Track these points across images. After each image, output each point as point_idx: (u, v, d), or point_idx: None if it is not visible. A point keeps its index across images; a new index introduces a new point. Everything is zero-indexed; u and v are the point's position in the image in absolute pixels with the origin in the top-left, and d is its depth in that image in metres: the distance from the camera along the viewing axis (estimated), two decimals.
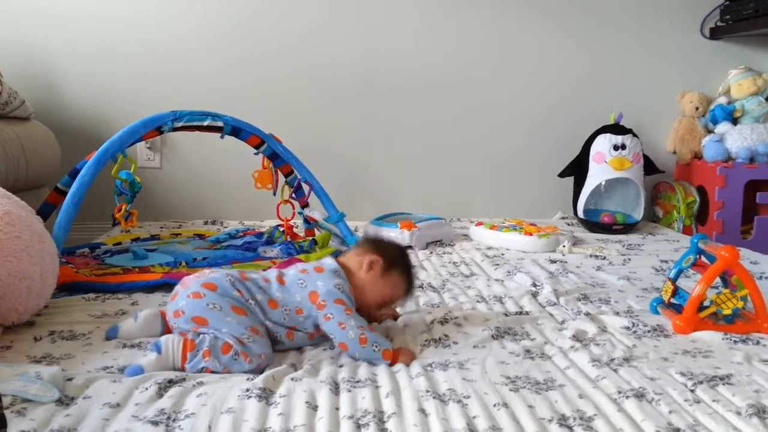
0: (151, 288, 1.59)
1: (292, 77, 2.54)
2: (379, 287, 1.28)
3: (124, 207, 1.79)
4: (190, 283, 1.21)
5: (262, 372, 1.10)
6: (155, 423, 0.92)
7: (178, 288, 1.23)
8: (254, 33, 2.51)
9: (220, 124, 1.89)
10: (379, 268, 1.27)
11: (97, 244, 2.02)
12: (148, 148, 2.51)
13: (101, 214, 2.24)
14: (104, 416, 0.94)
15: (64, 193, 1.69)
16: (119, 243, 2.05)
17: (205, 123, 1.86)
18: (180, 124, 1.82)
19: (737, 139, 2.46)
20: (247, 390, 1.01)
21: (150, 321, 1.27)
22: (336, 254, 1.54)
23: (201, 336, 1.14)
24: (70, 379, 1.05)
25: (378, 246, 1.32)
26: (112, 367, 1.13)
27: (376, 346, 1.15)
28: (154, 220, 2.45)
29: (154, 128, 1.79)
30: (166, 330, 1.26)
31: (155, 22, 2.47)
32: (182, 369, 1.11)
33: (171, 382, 1.05)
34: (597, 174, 2.42)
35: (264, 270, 1.33)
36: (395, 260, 1.30)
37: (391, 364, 1.15)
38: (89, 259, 1.83)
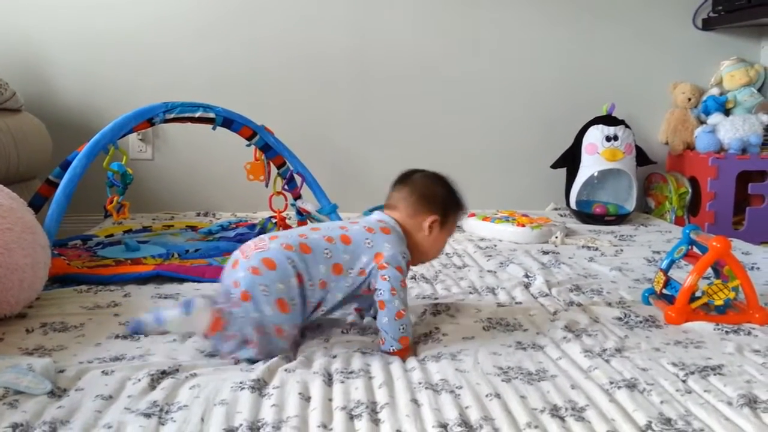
0: (143, 280, 1.59)
1: (285, 67, 2.52)
2: (440, 242, 1.29)
3: (115, 199, 1.78)
4: (251, 252, 1.16)
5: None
6: (148, 415, 0.92)
7: (238, 255, 1.18)
8: (246, 22, 2.50)
9: (211, 115, 1.88)
10: (437, 225, 1.25)
11: (89, 236, 2.01)
12: (140, 139, 2.50)
13: (93, 206, 2.23)
14: (97, 408, 0.94)
15: (56, 185, 1.68)
16: (111, 235, 2.04)
17: (197, 114, 1.86)
18: (171, 116, 1.81)
19: (729, 130, 2.47)
20: (240, 382, 1.01)
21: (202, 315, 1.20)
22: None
23: (229, 318, 1.11)
24: (62, 371, 1.05)
25: (424, 197, 1.25)
26: (104, 358, 1.13)
27: (403, 328, 1.16)
28: (147, 212, 2.44)
29: (146, 120, 1.78)
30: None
31: (147, 13, 2.45)
32: (204, 336, 1.13)
33: (164, 374, 1.05)
34: (589, 165, 2.43)
35: (329, 223, 1.28)
36: (448, 205, 1.27)
37: (394, 353, 1.15)
38: (81, 251, 1.82)
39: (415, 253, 1.25)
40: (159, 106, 1.80)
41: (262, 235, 1.23)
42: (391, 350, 1.16)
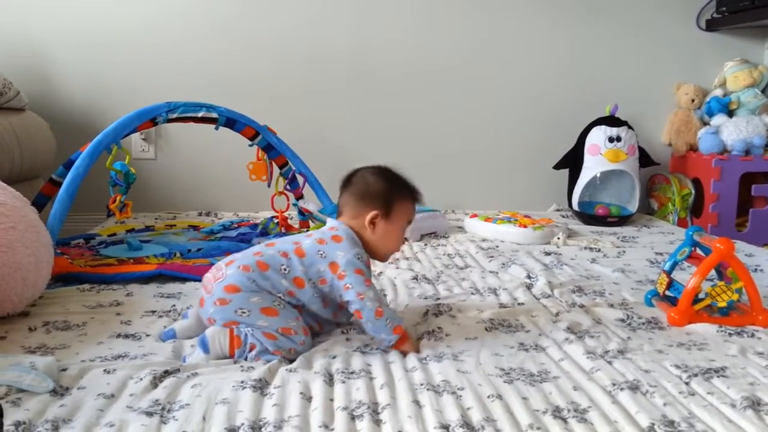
0: (145, 279, 1.59)
1: (287, 68, 2.53)
2: (391, 234, 1.26)
3: (118, 198, 1.79)
4: (212, 286, 1.17)
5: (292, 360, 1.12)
6: (149, 414, 0.92)
7: (203, 292, 1.19)
8: (249, 22, 2.50)
9: (214, 115, 1.88)
10: (381, 220, 1.24)
11: (92, 234, 2.02)
12: (143, 139, 2.50)
13: (96, 205, 2.23)
14: (99, 407, 0.94)
15: (59, 184, 1.68)
16: (114, 234, 2.04)
17: (200, 114, 1.86)
18: (175, 116, 1.81)
19: (733, 132, 2.46)
20: (242, 381, 1.01)
21: (199, 318, 1.23)
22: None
23: (243, 333, 1.14)
24: (64, 370, 1.05)
25: (363, 195, 1.25)
26: (106, 356, 1.13)
27: (389, 322, 1.16)
28: (149, 212, 2.44)
29: (149, 119, 1.79)
30: None
31: (151, 13, 2.45)
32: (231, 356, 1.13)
33: (166, 373, 1.05)
34: (592, 166, 2.42)
35: (283, 239, 1.29)
36: (389, 196, 1.25)
37: (397, 346, 1.16)
38: (84, 250, 1.83)
39: (372, 252, 1.26)
40: (162, 106, 1.80)
41: (218, 263, 1.23)
42: (391, 345, 1.16)
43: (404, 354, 1.15)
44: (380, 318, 1.15)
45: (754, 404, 0.96)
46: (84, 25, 2.43)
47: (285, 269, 1.18)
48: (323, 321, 1.24)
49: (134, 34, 2.45)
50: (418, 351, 1.17)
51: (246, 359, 1.12)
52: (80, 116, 2.44)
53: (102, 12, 2.43)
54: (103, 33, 2.44)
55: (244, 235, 2.03)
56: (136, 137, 2.47)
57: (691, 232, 1.44)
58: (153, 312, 1.37)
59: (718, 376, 1.06)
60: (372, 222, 1.24)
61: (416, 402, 0.96)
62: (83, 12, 2.42)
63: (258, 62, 2.51)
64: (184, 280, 1.59)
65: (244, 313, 1.14)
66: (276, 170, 2.10)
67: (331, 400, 0.98)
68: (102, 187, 1.86)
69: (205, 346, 1.12)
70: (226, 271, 1.18)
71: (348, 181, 1.29)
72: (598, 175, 2.43)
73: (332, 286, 1.18)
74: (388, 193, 1.25)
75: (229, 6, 2.49)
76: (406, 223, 1.30)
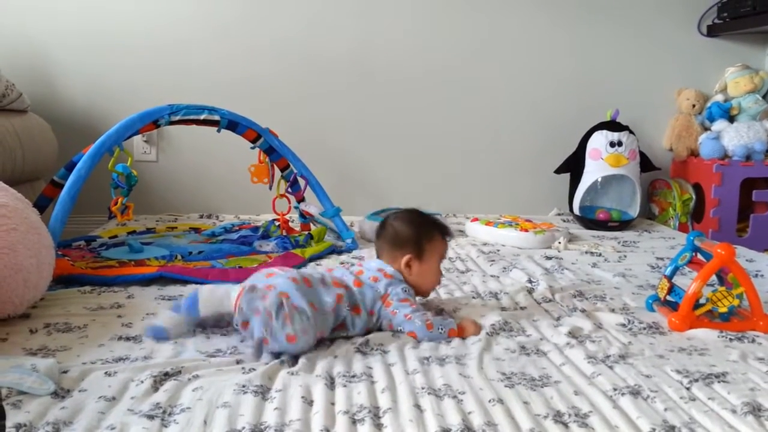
0: (147, 281, 1.59)
1: (289, 70, 2.53)
2: (428, 272, 1.37)
3: (120, 200, 1.79)
4: (290, 270, 1.28)
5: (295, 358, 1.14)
6: (151, 417, 0.92)
7: (275, 269, 1.27)
8: (251, 25, 2.50)
9: (216, 118, 1.89)
10: (415, 261, 1.35)
11: (93, 236, 2.02)
12: (145, 141, 2.51)
13: (98, 207, 2.24)
14: (100, 409, 0.94)
15: (61, 186, 1.69)
16: (115, 236, 2.04)
17: (202, 117, 1.86)
18: (177, 118, 1.82)
19: (734, 137, 2.47)
20: (243, 385, 1.01)
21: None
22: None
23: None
24: (65, 372, 1.05)
25: (394, 242, 1.36)
26: (107, 359, 1.13)
27: (441, 329, 1.26)
28: (150, 214, 2.44)
29: (151, 122, 1.79)
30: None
31: (153, 16, 2.46)
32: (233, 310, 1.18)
33: (167, 376, 1.05)
34: (593, 170, 2.43)
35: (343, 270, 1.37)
36: (419, 239, 1.35)
37: (462, 337, 1.26)
38: (85, 252, 1.83)
39: (414, 290, 1.35)
40: (164, 108, 1.80)
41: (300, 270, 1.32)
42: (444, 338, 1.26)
43: (475, 334, 1.27)
44: (432, 330, 1.25)
45: (755, 410, 0.96)
46: (87, 28, 2.43)
47: (349, 292, 1.27)
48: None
49: (137, 36, 2.46)
50: (478, 332, 1.28)
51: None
52: (82, 118, 2.45)
53: (105, 14, 2.44)
54: (106, 35, 2.44)
55: (246, 238, 2.03)
56: (138, 139, 2.47)
57: (692, 237, 1.44)
58: (154, 314, 1.37)
59: (718, 382, 1.06)
60: (408, 265, 1.34)
61: (417, 406, 0.96)
62: (86, 14, 2.43)
63: (259, 65, 2.52)
64: (185, 282, 1.59)
65: (300, 288, 1.19)
66: (277, 173, 2.11)
67: (333, 403, 0.97)
68: (104, 188, 1.86)
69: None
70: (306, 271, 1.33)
71: (381, 230, 1.40)
72: (599, 179, 2.44)
73: (380, 314, 1.29)
74: (416, 236, 1.36)
75: (231, 9, 2.49)
76: (440, 259, 1.40)
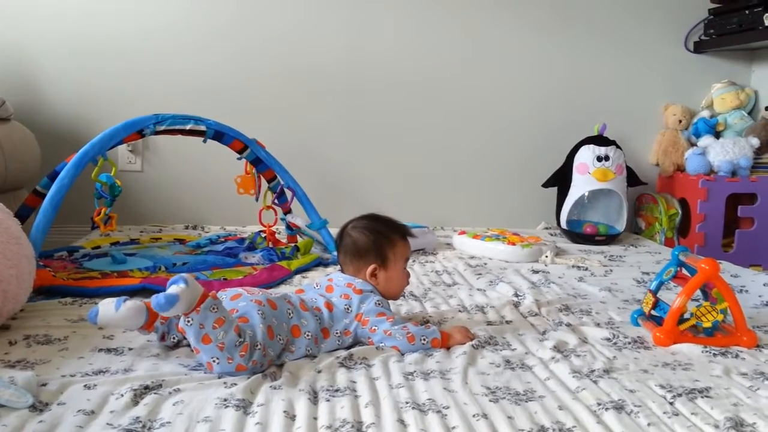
0: (129, 293, 1.56)
1: (276, 79, 2.52)
2: (395, 278, 1.35)
3: (103, 210, 1.77)
4: (256, 292, 1.24)
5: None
6: (130, 431, 0.90)
7: (240, 290, 1.23)
8: (237, 32, 2.50)
9: (202, 128, 1.88)
10: (380, 270, 1.33)
11: (76, 247, 1.99)
12: (130, 151, 2.49)
13: (81, 218, 2.22)
14: (78, 423, 0.92)
15: (43, 196, 1.67)
16: (98, 247, 2.02)
17: (188, 127, 1.85)
18: (162, 128, 1.81)
19: (719, 153, 2.48)
20: (225, 399, 1.00)
21: (132, 314, 1.19)
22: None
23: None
24: (44, 385, 1.04)
25: (355, 254, 1.33)
26: (87, 372, 1.11)
27: (424, 339, 1.25)
28: (135, 224, 2.42)
29: (136, 131, 1.78)
30: (148, 324, 1.20)
31: (139, 23, 2.45)
32: (195, 309, 1.09)
33: (147, 389, 1.03)
34: (580, 185, 2.44)
35: (313, 289, 1.35)
36: (381, 247, 1.33)
37: (446, 348, 1.26)
38: (67, 263, 1.80)
39: (383, 296, 1.33)
40: (149, 118, 1.79)
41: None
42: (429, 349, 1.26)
43: (462, 343, 1.27)
44: (414, 343, 1.24)
45: (737, 425, 0.96)
46: (71, 35, 2.42)
47: (318, 318, 1.25)
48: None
49: (122, 43, 2.44)
50: (470, 338, 1.28)
51: (204, 335, 1.09)
52: (66, 127, 2.43)
53: (89, 22, 2.42)
54: (91, 43, 2.43)
55: (231, 249, 2.02)
56: (122, 149, 2.46)
57: (677, 252, 1.44)
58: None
59: (702, 397, 1.06)
60: (373, 275, 1.33)
61: (401, 421, 0.95)
62: (70, 21, 2.41)
63: (247, 73, 2.51)
64: None
65: (261, 314, 1.17)
66: (264, 184, 2.10)
67: (315, 418, 0.97)
68: (87, 199, 1.84)
69: (185, 281, 1.08)
70: (273, 291, 1.30)
71: (339, 241, 1.37)
72: (587, 193, 2.45)
73: (356, 333, 1.27)
74: (377, 244, 1.33)
75: (218, 16, 2.48)
76: (405, 261, 1.37)
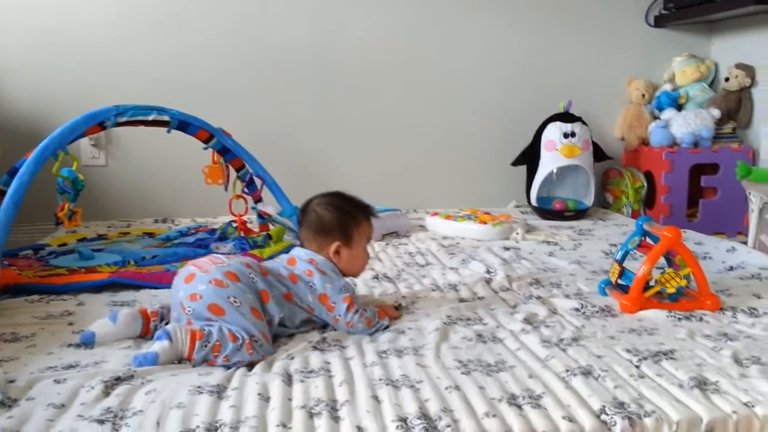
0: (98, 288, 1.55)
1: (241, 66, 2.49)
2: (357, 257, 1.34)
3: (67, 206, 1.74)
4: (210, 267, 1.19)
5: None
6: (101, 422, 0.90)
7: (192, 269, 1.20)
8: (198, 17, 2.45)
9: (166, 118, 1.85)
10: (344, 248, 1.32)
11: (41, 245, 1.96)
12: (93, 145, 2.45)
13: (45, 215, 2.16)
14: (48, 417, 0.92)
15: (3, 193, 1.63)
16: (64, 244, 1.99)
17: (150, 117, 1.82)
18: (123, 119, 1.77)
19: (682, 125, 2.53)
20: (199, 386, 1.00)
21: (129, 321, 1.21)
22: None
23: (207, 329, 1.12)
24: (12, 381, 1.02)
25: (319, 230, 1.31)
26: (56, 367, 1.10)
27: (375, 318, 1.28)
28: (102, 220, 2.38)
29: (96, 123, 1.74)
30: (145, 329, 1.22)
31: (97, 13, 2.38)
32: (189, 359, 1.10)
33: (118, 380, 1.03)
34: (548, 162, 2.46)
35: (275, 261, 1.35)
36: (346, 225, 1.32)
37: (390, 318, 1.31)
38: (33, 261, 1.78)
39: (344, 274, 1.34)
40: (110, 110, 1.76)
41: (215, 254, 1.29)
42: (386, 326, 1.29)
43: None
44: (371, 326, 1.26)
45: (701, 384, 0.99)
46: (26, 27, 2.34)
47: (282, 280, 1.26)
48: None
49: (81, 35, 2.38)
50: (397, 317, 1.33)
51: (207, 361, 1.10)
52: (25, 122, 2.37)
53: (47, 14, 2.36)
54: (49, 35, 2.36)
55: (202, 241, 2.00)
56: (85, 144, 2.41)
57: (641, 222, 1.47)
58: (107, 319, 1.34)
59: (667, 359, 1.09)
60: (336, 252, 1.31)
61: (375, 397, 0.96)
62: (27, 14, 2.35)
63: (210, 60, 2.46)
64: (138, 287, 1.56)
65: (235, 302, 1.15)
66: (233, 173, 2.08)
67: (290, 399, 0.97)
68: (50, 195, 1.81)
69: (168, 335, 1.09)
70: (226, 260, 1.23)
71: (302, 216, 1.35)
72: (555, 170, 2.47)
73: (320, 315, 1.27)
74: (343, 222, 1.32)
75: (178, 2, 2.43)
76: (368, 241, 1.37)
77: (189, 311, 1.16)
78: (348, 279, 1.35)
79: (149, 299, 1.47)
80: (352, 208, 1.34)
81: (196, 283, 1.17)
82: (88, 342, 1.19)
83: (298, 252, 1.33)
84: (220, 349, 1.10)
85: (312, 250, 1.32)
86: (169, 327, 1.12)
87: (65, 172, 1.73)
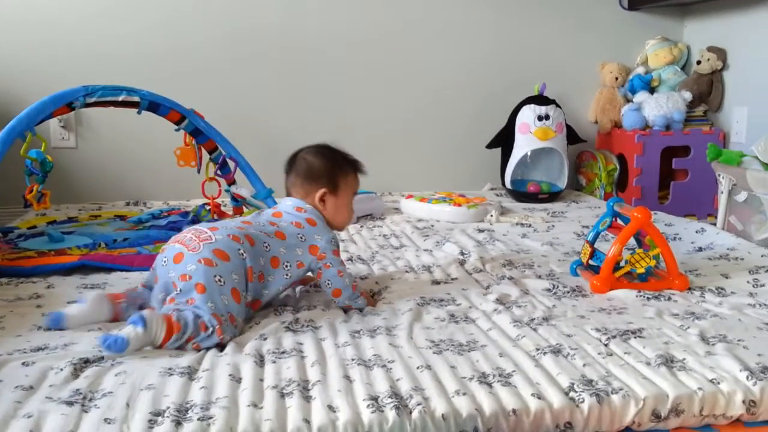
0: (68, 270, 1.54)
1: (212, 45, 2.45)
2: (342, 207, 1.35)
3: (35, 187, 1.71)
4: (197, 244, 1.17)
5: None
6: (70, 403, 0.89)
7: (179, 248, 1.18)
8: None
9: (136, 99, 1.82)
10: (330, 196, 1.33)
11: (10, 228, 1.93)
12: (62, 127, 2.40)
13: (13, 198, 2.13)
14: (16, 399, 0.91)
15: None
16: (34, 227, 1.96)
17: (120, 98, 1.79)
18: (92, 100, 1.74)
19: (654, 108, 2.55)
20: (169, 368, 0.99)
21: (98, 305, 1.19)
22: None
23: (183, 319, 1.10)
24: None
25: (307, 176, 1.32)
26: (25, 349, 1.08)
27: (358, 291, 1.30)
28: (73, 203, 2.34)
29: (65, 104, 1.71)
30: (114, 314, 1.20)
31: None
32: (161, 347, 1.08)
33: (87, 363, 1.02)
34: (523, 144, 2.47)
35: (260, 216, 1.34)
36: (334, 173, 1.33)
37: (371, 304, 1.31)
38: (1, 244, 1.74)
39: (332, 226, 1.34)
40: (78, 90, 1.72)
41: (198, 226, 1.25)
42: (361, 306, 1.29)
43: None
44: (356, 291, 1.29)
45: (668, 361, 1.01)
46: None
47: (267, 246, 1.24)
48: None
49: (47, 13, 2.32)
50: (372, 305, 1.31)
51: (181, 347, 1.09)
52: None
53: None
54: (14, 13, 2.30)
55: (175, 223, 1.98)
56: (54, 125, 2.37)
57: (611, 203, 1.49)
58: (75, 303, 1.32)
59: (635, 337, 1.11)
60: (322, 199, 1.32)
61: (347, 377, 0.97)
62: None
63: (180, 39, 2.42)
64: (109, 270, 1.54)
65: (220, 281, 1.15)
66: (205, 155, 2.06)
67: (261, 380, 0.97)
68: (18, 177, 1.78)
69: (143, 321, 1.07)
70: (212, 234, 1.19)
71: (291, 164, 1.36)
72: (529, 153, 2.48)
73: (310, 267, 1.28)
74: (331, 170, 1.33)
75: None
76: (353, 194, 1.38)
77: (179, 290, 1.14)
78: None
79: (120, 282, 1.45)
80: (341, 159, 1.36)
81: (185, 263, 1.15)
82: (57, 324, 1.17)
83: (284, 204, 1.33)
84: (192, 339, 1.09)
85: (298, 197, 1.32)
86: (146, 314, 1.09)
87: (33, 154, 1.70)
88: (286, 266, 1.25)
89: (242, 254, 1.19)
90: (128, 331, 1.06)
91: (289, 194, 1.35)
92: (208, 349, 1.09)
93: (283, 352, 1.06)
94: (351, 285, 1.29)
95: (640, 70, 2.72)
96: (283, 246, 1.25)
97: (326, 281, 1.28)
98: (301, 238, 1.27)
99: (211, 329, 1.10)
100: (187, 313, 1.11)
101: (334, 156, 1.35)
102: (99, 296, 1.21)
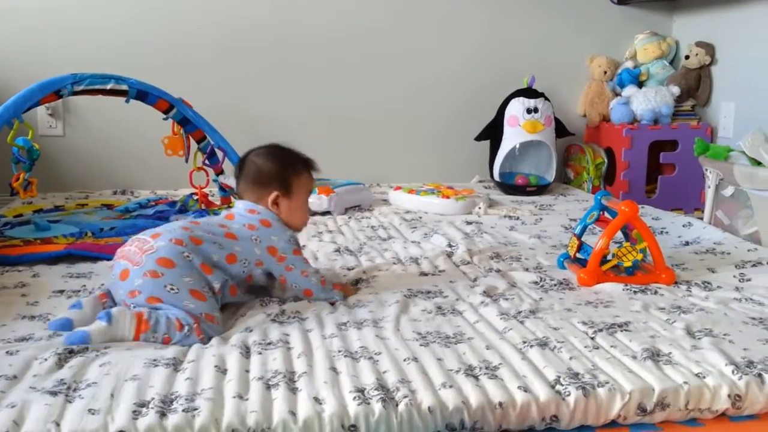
0: (54, 259, 1.52)
1: (201, 35, 2.44)
2: (297, 209, 1.31)
3: (22, 175, 1.69)
4: (139, 258, 1.14)
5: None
6: (54, 393, 0.89)
7: (124, 264, 1.15)
8: None
9: (124, 87, 1.80)
10: (283, 199, 1.28)
11: None
12: (50, 114, 2.37)
13: (1, 186, 2.11)
14: (0, 388, 0.90)
15: None
16: (20, 215, 1.94)
17: (108, 86, 1.77)
18: (80, 88, 1.72)
19: (642, 102, 2.56)
20: (155, 359, 0.99)
21: (94, 307, 1.15)
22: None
23: (155, 317, 1.08)
24: None
25: (257, 180, 1.28)
26: (9, 339, 1.07)
27: (330, 285, 1.29)
28: (60, 191, 2.32)
29: (52, 92, 1.69)
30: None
31: None
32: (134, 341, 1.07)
33: (72, 353, 1.01)
34: (511, 137, 2.47)
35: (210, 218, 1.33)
36: (285, 174, 1.29)
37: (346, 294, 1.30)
38: None
39: (289, 226, 1.30)
40: (67, 78, 1.71)
41: (141, 235, 1.20)
42: (337, 299, 1.28)
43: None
44: (326, 286, 1.28)
45: (654, 355, 1.01)
46: None
47: (219, 245, 1.20)
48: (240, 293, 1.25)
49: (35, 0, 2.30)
50: (352, 293, 1.31)
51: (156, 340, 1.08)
52: None
53: None
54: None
55: (162, 213, 1.97)
56: (42, 113, 2.34)
57: (599, 197, 1.49)
58: (61, 292, 1.32)
59: (621, 331, 1.11)
60: (275, 203, 1.28)
61: (333, 369, 0.97)
62: None
63: (169, 28, 2.40)
64: (95, 259, 1.53)
65: (173, 289, 1.12)
66: (194, 145, 2.04)
67: (247, 371, 0.97)
68: (5, 164, 1.76)
69: (109, 317, 1.06)
70: (154, 243, 1.16)
71: (240, 168, 1.31)
72: (517, 146, 2.49)
73: (271, 267, 1.25)
74: (282, 172, 1.29)
75: None
76: (307, 194, 1.35)
77: (132, 307, 1.12)
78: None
79: (106, 271, 1.44)
80: (292, 158, 1.31)
81: (132, 279, 1.13)
82: (65, 330, 1.10)
83: (237, 206, 1.30)
84: (170, 340, 1.07)
85: (253, 201, 1.28)
86: (114, 310, 1.08)
87: (20, 141, 1.68)
88: (244, 263, 1.22)
89: (187, 256, 1.15)
90: (92, 326, 1.05)
91: (241, 198, 1.31)
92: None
93: (269, 344, 1.06)
94: (319, 282, 1.26)
95: (629, 64, 2.72)
96: (237, 245, 1.22)
97: (293, 285, 1.25)
98: (256, 239, 1.23)
99: (187, 328, 1.08)
100: (161, 316, 1.09)
101: (284, 156, 1.31)
102: (94, 299, 1.18)
